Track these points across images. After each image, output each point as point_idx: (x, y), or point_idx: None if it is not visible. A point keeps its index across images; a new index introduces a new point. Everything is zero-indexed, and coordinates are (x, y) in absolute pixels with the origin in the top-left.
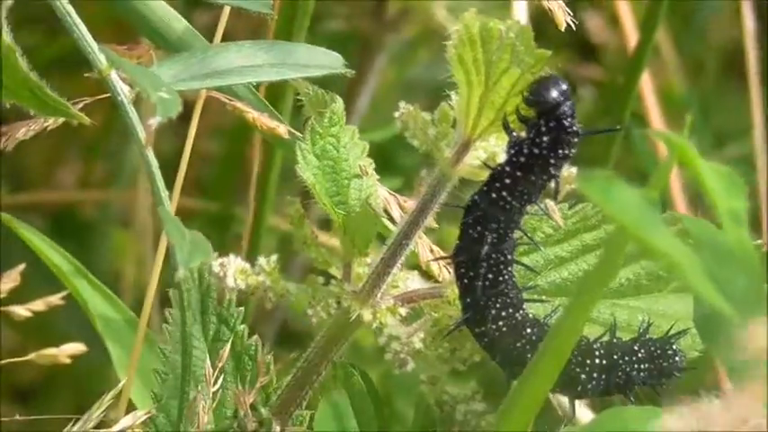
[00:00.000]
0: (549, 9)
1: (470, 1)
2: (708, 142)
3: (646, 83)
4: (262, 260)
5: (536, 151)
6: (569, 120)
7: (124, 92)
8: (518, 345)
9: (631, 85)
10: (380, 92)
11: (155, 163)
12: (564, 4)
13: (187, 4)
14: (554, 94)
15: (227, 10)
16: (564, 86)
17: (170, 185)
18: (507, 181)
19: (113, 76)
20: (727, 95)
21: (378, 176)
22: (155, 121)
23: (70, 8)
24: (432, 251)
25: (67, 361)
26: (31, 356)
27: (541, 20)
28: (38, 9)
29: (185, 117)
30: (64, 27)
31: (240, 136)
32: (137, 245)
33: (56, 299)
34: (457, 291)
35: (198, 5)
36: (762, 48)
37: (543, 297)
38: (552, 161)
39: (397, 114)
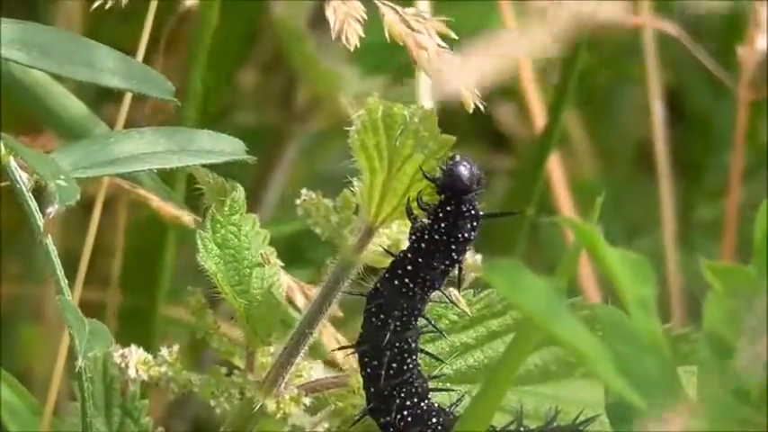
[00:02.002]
0: (458, 94)
1: (375, 90)
2: (619, 233)
3: (555, 170)
4: (164, 351)
5: (436, 237)
6: (470, 204)
7: (23, 179)
8: None
9: (539, 169)
10: (291, 184)
11: (54, 251)
12: (471, 86)
13: (97, 96)
14: (459, 176)
15: (128, 97)
16: (472, 169)
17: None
18: (409, 268)
19: (12, 163)
20: (640, 187)
21: (287, 268)
22: (53, 210)
23: None
24: (337, 340)
25: None
26: None
27: (451, 111)
28: None
29: (104, 212)
30: None
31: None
32: (47, 340)
33: None
34: (361, 380)
35: (107, 97)
36: (673, 139)
37: (449, 385)
38: (453, 246)
39: (298, 202)
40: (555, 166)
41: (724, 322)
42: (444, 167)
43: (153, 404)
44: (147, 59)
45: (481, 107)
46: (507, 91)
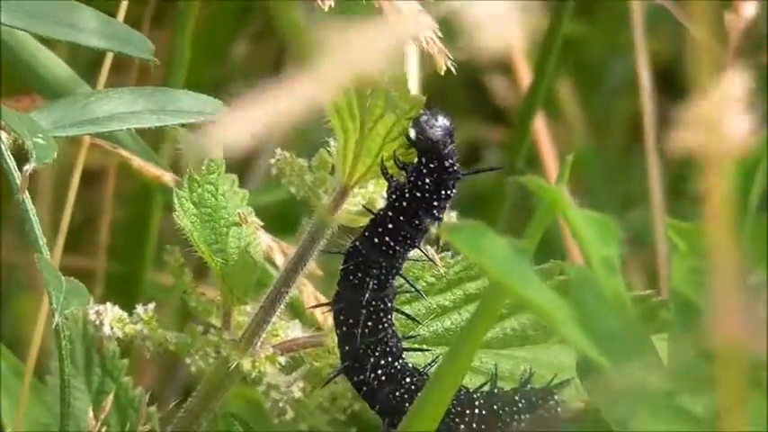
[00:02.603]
0: (429, 53)
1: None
2: (612, 204)
3: (543, 139)
4: (139, 309)
5: (417, 194)
6: (450, 159)
7: (2, 138)
8: (397, 394)
9: (524, 131)
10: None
11: (32, 209)
12: (445, 50)
13: (90, 64)
14: (436, 132)
15: (109, 56)
16: (447, 125)
17: (81, 248)
18: (390, 225)
19: None
20: (633, 159)
21: (280, 234)
22: (30, 167)
23: None
24: (316, 298)
25: None
26: None
27: (446, 83)
28: None
29: (96, 182)
30: None
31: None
32: (43, 309)
33: None
34: (336, 339)
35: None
36: (666, 111)
37: (424, 346)
38: (435, 203)
39: (272, 161)
40: (543, 134)
41: (688, 282)
42: (417, 125)
43: (144, 370)
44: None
45: (452, 68)
46: (501, 64)
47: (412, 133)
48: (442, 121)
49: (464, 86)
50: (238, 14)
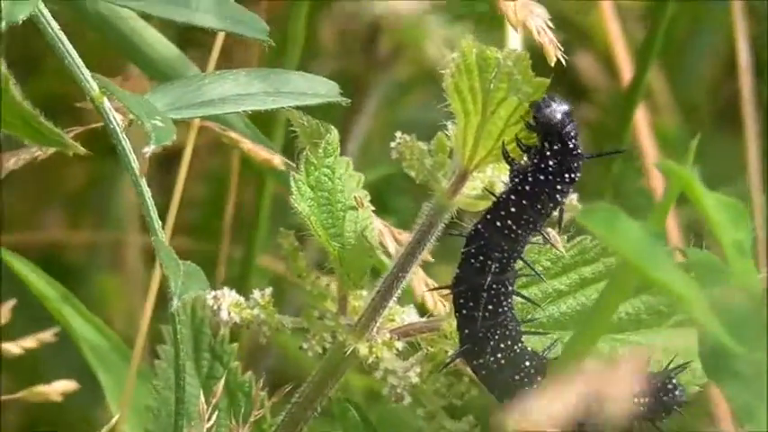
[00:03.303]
0: (541, 44)
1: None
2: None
3: (640, 121)
4: (256, 293)
5: (541, 177)
6: (574, 141)
7: (117, 120)
8: (516, 378)
9: (625, 121)
10: (372, 133)
11: (148, 192)
12: (555, 41)
13: (180, 42)
14: (558, 115)
15: (221, 37)
16: (567, 108)
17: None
18: (513, 209)
19: (106, 104)
20: (721, 138)
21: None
22: (149, 150)
23: (62, 35)
24: (427, 284)
25: (59, 399)
26: (22, 394)
27: (533, 61)
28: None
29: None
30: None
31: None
32: (125, 289)
33: (48, 335)
34: (455, 322)
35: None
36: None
37: (542, 330)
38: (559, 187)
39: (393, 144)
40: (640, 116)
41: None
42: (537, 109)
43: None
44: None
45: (562, 59)
46: (588, 41)
47: (533, 118)
48: (562, 104)
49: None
50: None
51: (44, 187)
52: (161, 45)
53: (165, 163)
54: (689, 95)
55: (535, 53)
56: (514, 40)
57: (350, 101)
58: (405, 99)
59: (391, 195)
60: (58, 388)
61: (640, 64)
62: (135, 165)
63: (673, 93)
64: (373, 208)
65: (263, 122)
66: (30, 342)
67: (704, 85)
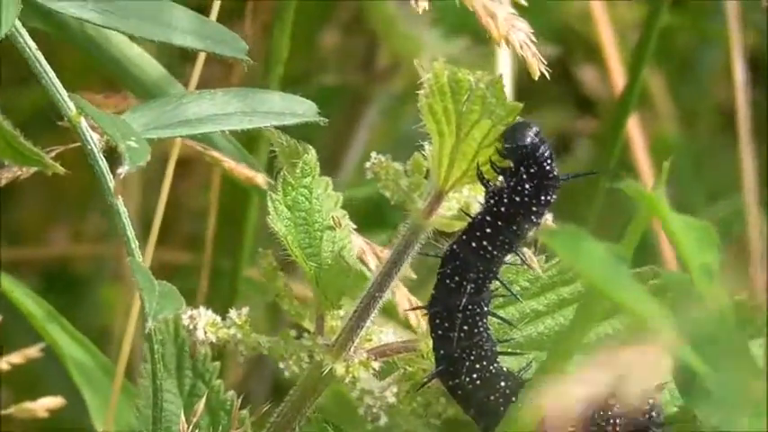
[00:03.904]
0: (523, 58)
1: (456, 52)
2: (701, 195)
3: (634, 131)
4: (233, 313)
5: (517, 199)
6: (549, 164)
7: (94, 140)
8: (492, 398)
9: (618, 131)
10: (371, 145)
11: (125, 212)
12: (538, 54)
13: (180, 58)
14: (529, 139)
15: (202, 57)
16: (537, 130)
17: (162, 240)
18: (488, 230)
19: (83, 124)
20: (722, 149)
21: (367, 229)
22: (123, 170)
23: (39, 54)
24: (410, 301)
25: (45, 414)
26: (11, 410)
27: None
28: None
29: (180, 173)
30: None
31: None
32: (128, 300)
33: (34, 351)
34: (431, 343)
35: (189, 59)
36: (755, 101)
37: (518, 351)
38: (534, 208)
39: (367, 165)
40: (635, 127)
41: None
42: (508, 136)
43: (230, 365)
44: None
45: (545, 73)
46: (591, 54)
47: (504, 145)
48: (533, 128)
49: (554, 77)
50: (329, 4)
51: (48, 201)
52: (146, 64)
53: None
54: (692, 107)
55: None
56: (504, 55)
57: (327, 120)
58: (403, 111)
59: (391, 209)
60: (45, 404)
61: (632, 73)
62: (111, 185)
63: (675, 104)
64: (363, 225)
65: (248, 140)
66: (16, 358)
67: (707, 96)
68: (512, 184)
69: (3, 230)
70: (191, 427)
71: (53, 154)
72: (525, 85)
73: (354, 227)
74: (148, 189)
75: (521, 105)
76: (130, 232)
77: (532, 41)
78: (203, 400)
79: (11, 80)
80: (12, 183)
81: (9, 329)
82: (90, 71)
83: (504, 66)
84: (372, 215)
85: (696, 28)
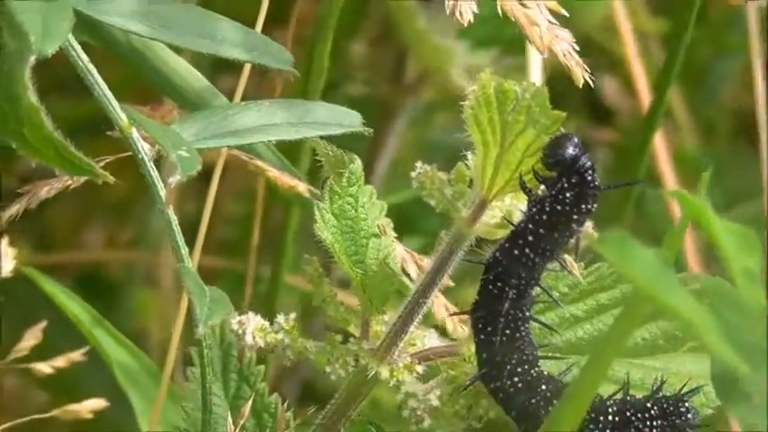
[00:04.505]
0: (568, 67)
1: (484, 64)
2: (720, 203)
3: (659, 144)
4: (280, 318)
5: (559, 208)
6: (591, 174)
7: (145, 150)
8: (533, 401)
9: (645, 145)
10: (400, 154)
11: (175, 220)
12: (582, 63)
13: (213, 67)
14: (570, 150)
15: (247, 68)
16: (577, 141)
17: (193, 246)
18: (530, 238)
19: (134, 134)
20: (740, 157)
21: (397, 237)
22: (174, 179)
23: (92, 67)
24: (447, 309)
25: (89, 416)
26: (55, 413)
27: (556, 83)
28: (68, 76)
29: (210, 179)
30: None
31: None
32: (161, 305)
33: (77, 355)
34: (473, 347)
35: (223, 68)
36: None
37: (558, 355)
38: (575, 217)
39: (413, 174)
40: (659, 139)
41: None
42: (548, 149)
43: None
44: (268, 33)
45: (589, 81)
46: (612, 64)
47: (546, 157)
48: (573, 140)
49: (575, 86)
50: (358, 16)
51: (84, 207)
52: (190, 75)
53: (205, 179)
54: (711, 118)
55: (559, 77)
56: (536, 66)
57: (372, 131)
58: (431, 121)
59: (419, 216)
60: (89, 406)
61: (659, 88)
62: (162, 194)
63: (694, 115)
64: (395, 235)
65: (289, 149)
66: (60, 362)
67: (726, 107)
68: (554, 193)
69: (38, 235)
70: (237, 429)
71: (102, 163)
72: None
73: (395, 235)
74: (185, 197)
75: (564, 114)
76: (180, 240)
77: (575, 50)
78: (249, 402)
79: (50, 90)
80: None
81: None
82: (129, 86)
83: (536, 76)
84: (402, 222)
85: (715, 40)
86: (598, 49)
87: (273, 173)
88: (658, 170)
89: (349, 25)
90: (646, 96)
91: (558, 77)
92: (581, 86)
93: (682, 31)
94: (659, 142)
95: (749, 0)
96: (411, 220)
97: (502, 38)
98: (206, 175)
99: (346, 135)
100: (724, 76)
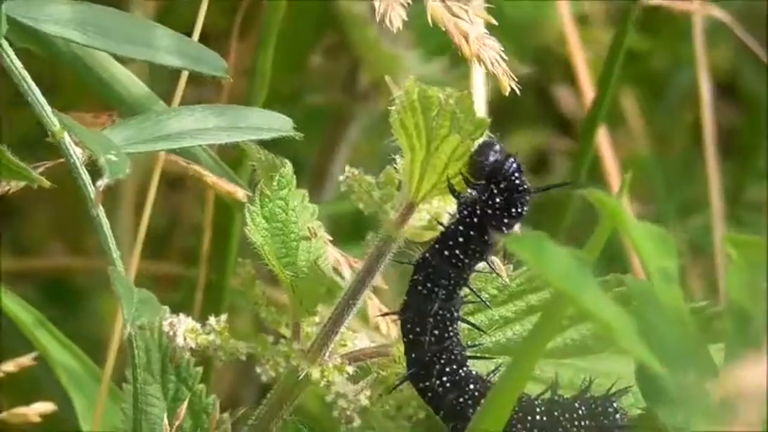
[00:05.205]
0: (493, 74)
1: (435, 73)
2: (673, 211)
3: (604, 144)
4: (212, 320)
5: (488, 212)
6: (517, 179)
7: (77, 155)
8: (461, 400)
9: (588, 142)
10: (354, 162)
11: (107, 224)
12: (509, 71)
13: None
14: (493, 157)
15: (185, 75)
16: (499, 148)
17: (160, 254)
18: (459, 239)
19: (67, 139)
20: (695, 167)
21: (352, 243)
22: (102, 183)
23: (26, 73)
24: (381, 311)
25: (38, 419)
26: (2, 416)
27: (517, 95)
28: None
29: (177, 187)
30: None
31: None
32: (120, 315)
33: (27, 359)
34: (403, 347)
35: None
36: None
37: (487, 355)
38: (505, 220)
39: (341, 178)
40: (604, 140)
41: (744, 292)
42: (476, 155)
43: (221, 372)
44: (219, 43)
45: (516, 89)
46: (569, 75)
47: (473, 164)
48: (496, 146)
49: (534, 96)
50: (316, 27)
51: (50, 215)
52: (131, 83)
53: (172, 188)
54: (667, 127)
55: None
56: (478, 74)
57: (302, 135)
58: (384, 129)
59: (374, 223)
60: (37, 409)
61: (601, 86)
62: (92, 196)
63: (650, 124)
64: (346, 239)
65: (234, 158)
66: (10, 366)
67: (681, 117)
68: (483, 198)
69: (5, 242)
70: (173, 430)
71: (41, 169)
72: (506, 104)
73: (330, 238)
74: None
75: (488, 120)
76: (111, 242)
77: (503, 59)
78: (185, 403)
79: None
80: (15, 196)
81: (6, 339)
82: (88, 93)
83: (479, 84)
84: (357, 228)
85: (670, 50)
86: (557, 60)
87: (212, 178)
88: (606, 173)
89: (310, 37)
90: (590, 96)
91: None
92: (536, 95)
93: (621, 38)
94: (604, 143)
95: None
96: (365, 227)
97: (451, 48)
98: (172, 184)
99: (301, 143)
100: (682, 86)
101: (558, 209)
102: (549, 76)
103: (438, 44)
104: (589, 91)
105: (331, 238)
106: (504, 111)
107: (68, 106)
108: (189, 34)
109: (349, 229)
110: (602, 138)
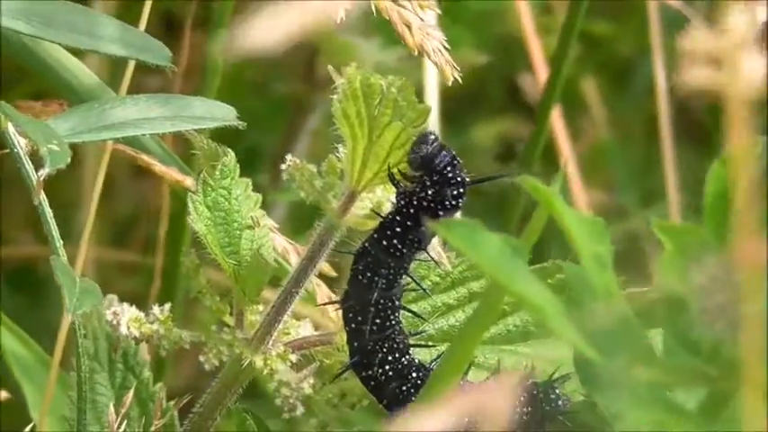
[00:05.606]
0: (437, 65)
1: (393, 62)
2: (635, 200)
3: (560, 130)
4: (155, 309)
5: (425, 204)
6: (451, 171)
7: (20, 144)
8: (404, 389)
9: (540, 126)
10: (314, 150)
11: (49, 213)
12: (452, 61)
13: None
14: (427, 149)
15: (131, 64)
16: (433, 140)
17: (122, 243)
18: (398, 229)
19: (10, 129)
20: (657, 156)
21: (308, 232)
22: (43, 172)
23: None
24: (329, 299)
25: None
26: None
27: (484, 82)
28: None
29: (143, 176)
30: None
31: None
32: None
33: None
34: (345, 336)
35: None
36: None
37: (430, 343)
38: (441, 212)
39: (283, 167)
40: (560, 126)
41: (676, 279)
42: (412, 148)
43: (184, 362)
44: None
45: (458, 78)
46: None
47: (409, 158)
48: (430, 137)
49: (499, 84)
50: None
51: (15, 204)
52: (80, 72)
53: (143, 177)
54: (629, 116)
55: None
56: (431, 66)
57: (245, 124)
58: None
59: None
60: None
61: (554, 70)
62: (34, 185)
63: (613, 113)
64: (302, 228)
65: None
66: None
67: (644, 104)
68: (418, 190)
69: None
70: (119, 418)
71: None
72: (471, 93)
73: (277, 225)
74: (117, 195)
75: (430, 108)
76: (54, 231)
77: (446, 48)
78: (132, 391)
79: None
80: None
81: None
82: (31, 80)
83: (431, 74)
84: (317, 215)
85: (633, 38)
86: (522, 49)
87: (160, 168)
88: (560, 159)
89: None
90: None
91: (484, 75)
92: (503, 84)
93: (573, 18)
94: (560, 131)
95: None
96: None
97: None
98: (143, 174)
99: (260, 132)
100: (647, 75)
101: (513, 198)
102: (514, 64)
103: (394, 33)
104: (545, 77)
105: (278, 225)
106: (469, 99)
107: (39, 94)
108: (167, 24)
109: (310, 216)
110: (557, 122)
